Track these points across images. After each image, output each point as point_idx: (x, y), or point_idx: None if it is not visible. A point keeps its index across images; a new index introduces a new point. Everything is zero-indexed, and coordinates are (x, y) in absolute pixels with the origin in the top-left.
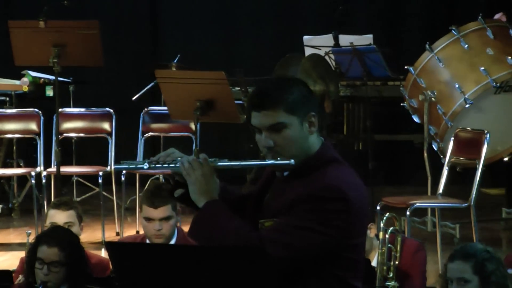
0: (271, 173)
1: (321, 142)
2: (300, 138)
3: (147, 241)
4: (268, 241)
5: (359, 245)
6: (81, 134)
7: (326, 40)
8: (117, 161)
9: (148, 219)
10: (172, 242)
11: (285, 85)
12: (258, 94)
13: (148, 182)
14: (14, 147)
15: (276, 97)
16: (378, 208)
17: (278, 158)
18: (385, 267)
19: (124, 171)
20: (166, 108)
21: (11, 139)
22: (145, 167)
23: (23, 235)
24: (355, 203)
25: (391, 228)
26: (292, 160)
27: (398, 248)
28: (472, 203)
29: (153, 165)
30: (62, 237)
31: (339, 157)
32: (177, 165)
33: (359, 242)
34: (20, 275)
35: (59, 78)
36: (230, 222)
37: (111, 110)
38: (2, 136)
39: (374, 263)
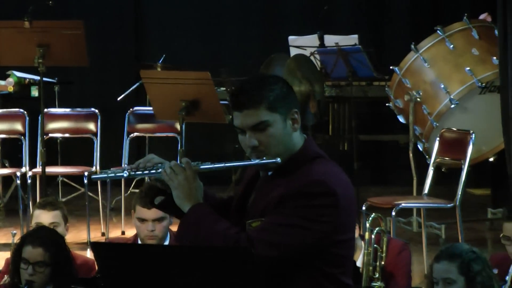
0: (255, 173)
1: (304, 139)
2: (284, 135)
3: (139, 242)
4: (257, 241)
5: (348, 240)
6: (66, 135)
7: (311, 40)
8: (102, 162)
9: (141, 220)
10: (166, 244)
11: (265, 83)
12: (239, 93)
13: (144, 183)
14: None
15: (257, 95)
16: (363, 208)
17: (264, 158)
18: (371, 268)
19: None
20: (151, 108)
21: None
22: (125, 175)
23: (8, 235)
24: (343, 198)
25: (376, 229)
26: (278, 159)
27: (384, 249)
28: (457, 203)
29: (133, 173)
30: (47, 237)
31: (323, 153)
32: (159, 170)
33: (348, 238)
34: (5, 276)
35: (44, 78)
36: (217, 224)
37: (96, 111)
38: None
39: (359, 263)
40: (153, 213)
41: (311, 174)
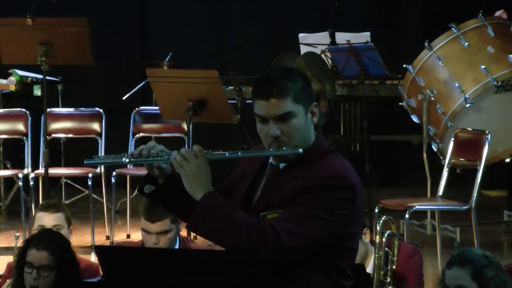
0: (259, 167)
1: (315, 134)
2: (305, 127)
3: None
4: (282, 231)
5: (356, 234)
6: (70, 135)
7: (322, 37)
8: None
9: (146, 231)
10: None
11: (290, 74)
12: (266, 82)
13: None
14: (1, 148)
15: (284, 85)
16: (376, 211)
17: (284, 148)
18: (382, 272)
19: (114, 173)
20: (157, 108)
21: None
22: (125, 161)
23: (10, 238)
24: (359, 192)
25: (387, 232)
26: (300, 149)
27: (395, 252)
28: (472, 205)
29: (134, 159)
30: (52, 241)
31: (332, 148)
32: (164, 157)
33: (356, 231)
34: (7, 280)
35: (47, 77)
36: (236, 213)
37: (101, 110)
38: None
39: (369, 269)
40: (157, 226)
41: (330, 167)
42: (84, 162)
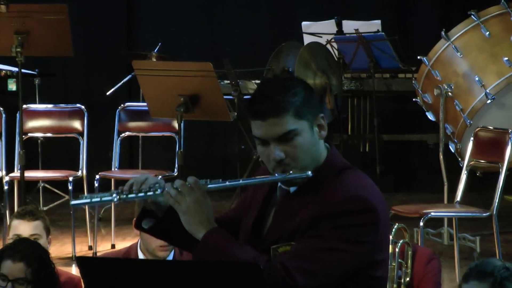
0: (268, 191)
1: (327, 148)
2: (312, 145)
3: (141, 255)
4: (295, 270)
5: (384, 260)
6: (49, 134)
7: (328, 26)
8: (89, 165)
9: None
10: (171, 254)
11: (287, 86)
12: (260, 99)
13: None
14: None
15: (282, 101)
16: None
17: (290, 172)
18: (395, 285)
19: (97, 176)
20: (145, 104)
21: None
22: (114, 199)
23: None
24: (382, 212)
25: (400, 241)
26: (309, 172)
27: (409, 263)
28: (494, 212)
29: (125, 196)
30: (29, 251)
31: (348, 162)
32: (157, 192)
33: (384, 258)
34: None
35: (23, 70)
36: (242, 252)
37: (82, 107)
38: None
39: None
40: None
41: (345, 189)
42: (70, 203)
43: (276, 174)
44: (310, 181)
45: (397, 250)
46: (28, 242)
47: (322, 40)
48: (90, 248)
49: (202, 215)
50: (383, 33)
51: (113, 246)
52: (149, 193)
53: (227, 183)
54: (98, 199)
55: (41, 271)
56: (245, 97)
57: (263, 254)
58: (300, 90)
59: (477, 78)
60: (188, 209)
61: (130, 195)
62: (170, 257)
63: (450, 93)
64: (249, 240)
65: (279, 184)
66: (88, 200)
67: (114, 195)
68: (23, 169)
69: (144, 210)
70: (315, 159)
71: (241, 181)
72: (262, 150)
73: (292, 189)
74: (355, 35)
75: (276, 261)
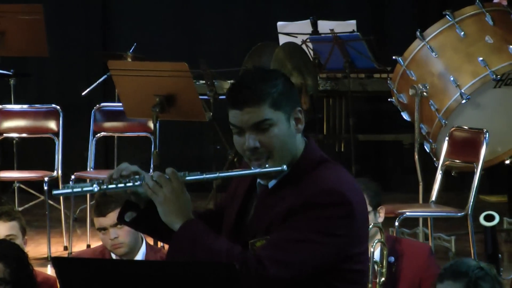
0: (249, 185)
1: (305, 142)
2: (288, 137)
3: (113, 256)
4: (268, 261)
5: (363, 253)
6: (24, 134)
7: (303, 26)
8: (65, 165)
9: (102, 230)
10: (140, 253)
11: (267, 77)
12: (239, 88)
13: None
14: None
15: (260, 90)
16: None
17: (266, 165)
18: (370, 285)
19: (73, 176)
20: (120, 104)
21: None
22: (95, 189)
23: None
24: (358, 206)
25: (375, 240)
26: (284, 166)
27: (384, 264)
28: (469, 212)
29: (105, 186)
30: (7, 252)
31: (327, 156)
32: (137, 183)
33: (363, 250)
34: None
35: None
36: (216, 243)
37: (58, 107)
38: None
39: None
40: (110, 219)
41: (321, 182)
42: (53, 193)
43: (252, 168)
44: (287, 175)
45: (372, 250)
46: (6, 242)
47: (298, 40)
48: (66, 248)
49: (179, 206)
50: (358, 33)
51: (88, 246)
52: (128, 184)
53: (204, 175)
54: (79, 189)
55: (19, 272)
56: (220, 97)
57: (237, 245)
58: (280, 82)
59: (452, 78)
60: (165, 200)
61: (110, 186)
62: (141, 255)
63: (425, 93)
64: (231, 234)
65: (257, 180)
66: (69, 190)
67: (95, 185)
68: None
69: (127, 203)
70: (291, 152)
71: (218, 174)
72: (238, 140)
73: (271, 184)
74: (330, 35)
75: (250, 252)
